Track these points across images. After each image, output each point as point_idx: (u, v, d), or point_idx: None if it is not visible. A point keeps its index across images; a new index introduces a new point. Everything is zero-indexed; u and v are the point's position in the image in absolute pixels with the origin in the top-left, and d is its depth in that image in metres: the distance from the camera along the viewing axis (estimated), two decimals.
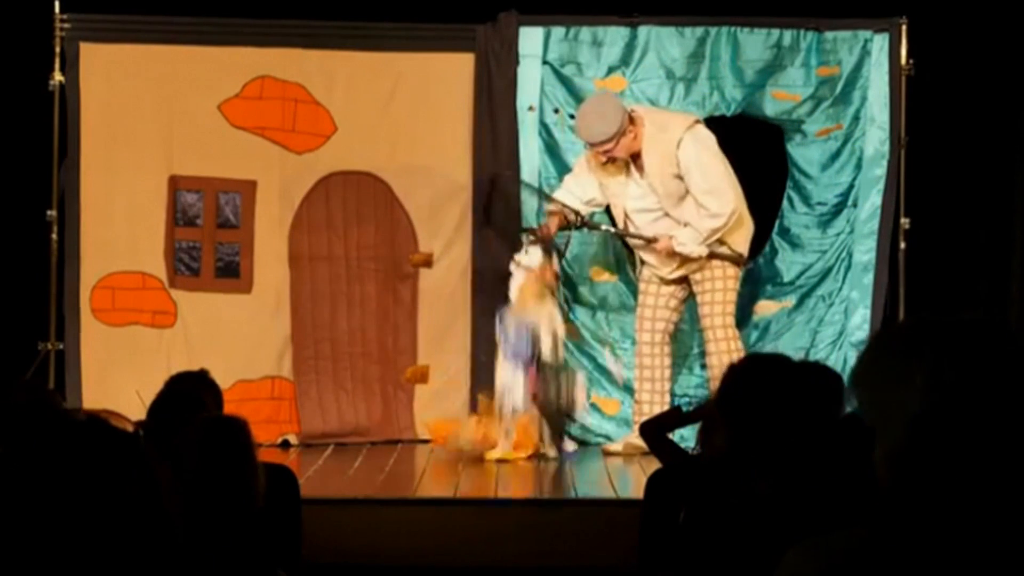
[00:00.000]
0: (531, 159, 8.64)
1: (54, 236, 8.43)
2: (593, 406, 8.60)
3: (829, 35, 8.64)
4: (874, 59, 8.64)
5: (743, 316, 8.52)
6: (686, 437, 6.42)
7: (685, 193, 7.93)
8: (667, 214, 8.01)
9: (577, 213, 8.12)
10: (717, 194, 7.87)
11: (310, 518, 5.18)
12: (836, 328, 8.66)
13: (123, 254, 8.50)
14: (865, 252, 8.65)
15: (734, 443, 3.40)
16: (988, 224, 8.90)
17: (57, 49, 8.44)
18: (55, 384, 8.08)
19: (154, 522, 1.82)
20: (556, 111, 8.69)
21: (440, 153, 8.63)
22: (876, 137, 8.63)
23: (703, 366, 8.46)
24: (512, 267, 8.04)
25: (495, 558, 6.33)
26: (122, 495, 1.81)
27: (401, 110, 8.61)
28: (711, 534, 3.48)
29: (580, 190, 8.14)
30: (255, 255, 8.57)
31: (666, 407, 7.90)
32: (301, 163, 8.57)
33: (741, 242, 8.09)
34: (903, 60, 8.57)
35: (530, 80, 8.65)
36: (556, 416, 7.89)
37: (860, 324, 8.57)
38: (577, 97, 8.55)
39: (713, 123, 8.24)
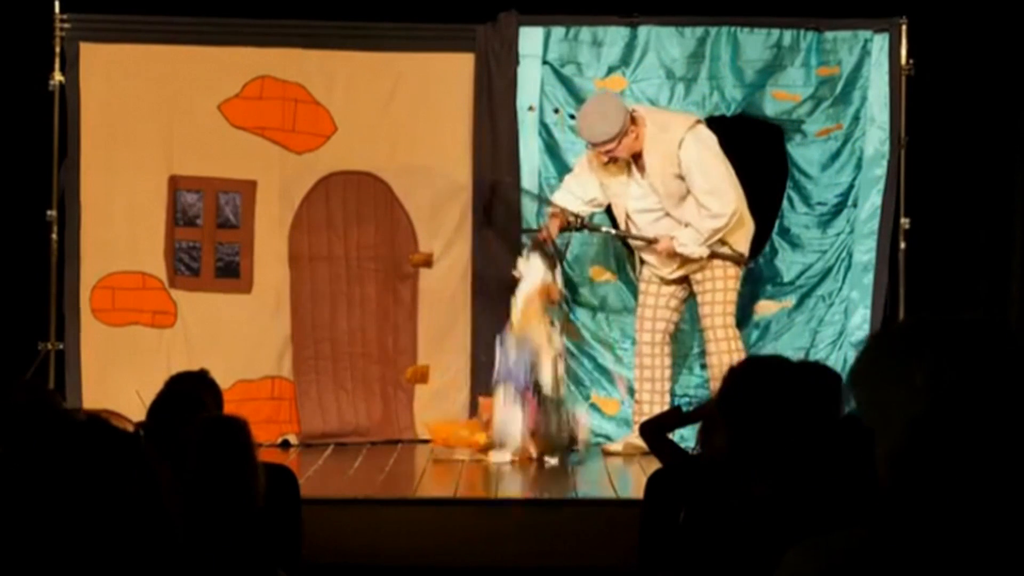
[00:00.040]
0: (531, 159, 8.64)
1: (54, 236, 8.43)
2: (593, 406, 8.60)
3: (829, 35, 8.64)
4: (874, 59, 8.64)
5: (743, 316, 8.52)
6: (686, 437, 6.41)
7: (686, 193, 7.93)
8: (668, 214, 8.01)
9: (577, 216, 8.12)
10: (718, 194, 7.87)
11: (310, 518, 5.18)
12: (836, 328, 8.67)
13: (123, 254, 8.50)
14: (865, 252, 8.65)
15: (734, 443, 3.40)
16: (988, 224, 8.90)
17: (57, 49, 8.44)
18: (55, 384, 8.08)
19: (154, 522, 1.82)
20: (556, 111, 8.69)
21: (440, 153, 8.63)
22: (876, 137, 8.63)
23: (703, 366, 8.46)
24: (516, 274, 8.02)
25: (495, 558, 6.33)
26: (122, 495, 1.81)
27: (401, 110, 8.61)
28: (711, 534, 3.48)
29: (581, 190, 8.14)
30: (255, 255, 8.57)
31: (666, 407, 7.90)
32: (301, 163, 8.57)
33: (742, 242, 8.09)
34: (903, 60, 8.57)
35: (530, 80, 8.65)
36: (555, 449, 7.86)
37: (860, 324, 8.57)
38: (577, 97, 8.55)
39: (713, 123, 8.23)
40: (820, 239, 8.72)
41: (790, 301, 8.74)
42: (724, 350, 8.02)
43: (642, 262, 8.25)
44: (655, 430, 4.68)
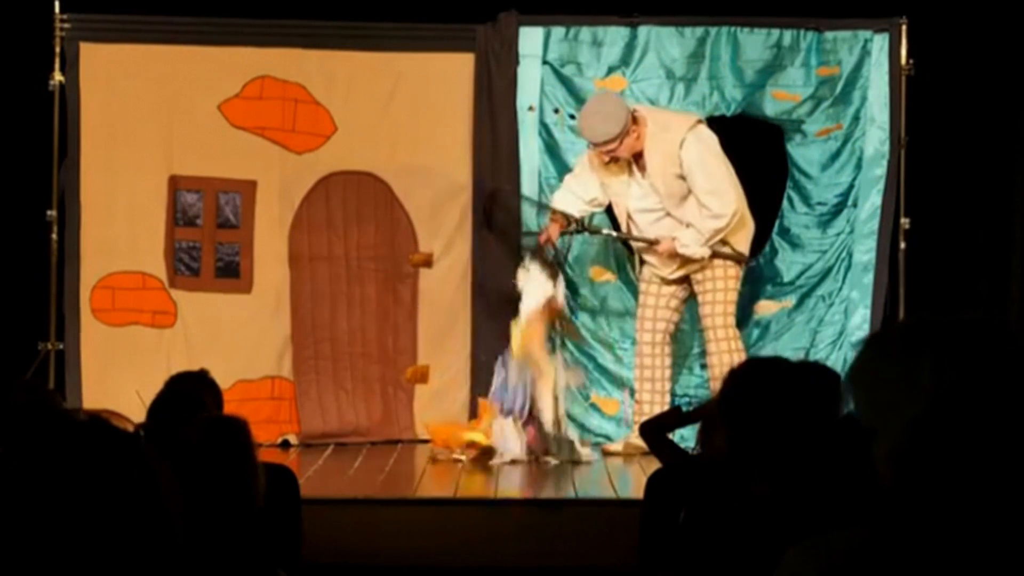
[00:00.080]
0: (531, 159, 8.64)
1: (54, 236, 8.43)
2: (593, 406, 8.61)
3: (829, 35, 8.64)
4: (874, 59, 8.64)
5: (743, 316, 8.52)
6: (686, 437, 6.41)
7: (687, 193, 7.93)
8: (669, 214, 8.01)
9: (577, 220, 8.12)
10: (719, 194, 7.87)
11: (310, 518, 5.18)
12: (836, 328, 8.67)
13: (123, 254, 8.50)
14: (865, 252, 8.65)
15: (734, 444, 3.40)
16: (988, 224, 8.90)
17: (57, 49, 8.44)
18: (55, 384, 8.08)
19: (154, 522, 1.82)
20: (556, 111, 8.69)
21: (440, 153, 8.63)
22: (876, 137, 8.63)
23: (703, 366, 8.46)
24: (516, 285, 8.01)
25: (495, 558, 6.33)
26: (122, 495, 1.81)
27: (401, 110, 8.61)
28: (711, 534, 3.48)
29: (582, 189, 8.14)
30: (255, 255, 8.57)
31: (666, 407, 7.90)
32: (301, 163, 8.57)
33: (742, 242, 8.09)
34: (903, 60, 8.57)
35: (530, 80, 8.65)
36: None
37: (860, 324, 8.57)
38: (577, 97, 8.55)
39: (713, 123, 8.24)
40: (820, 239, 8.72)
41: (790, 301, 8.74)
42: (724, 350, 8.02)
43: (642, 262, 8.25)
44: (655, 430, 4.68)
